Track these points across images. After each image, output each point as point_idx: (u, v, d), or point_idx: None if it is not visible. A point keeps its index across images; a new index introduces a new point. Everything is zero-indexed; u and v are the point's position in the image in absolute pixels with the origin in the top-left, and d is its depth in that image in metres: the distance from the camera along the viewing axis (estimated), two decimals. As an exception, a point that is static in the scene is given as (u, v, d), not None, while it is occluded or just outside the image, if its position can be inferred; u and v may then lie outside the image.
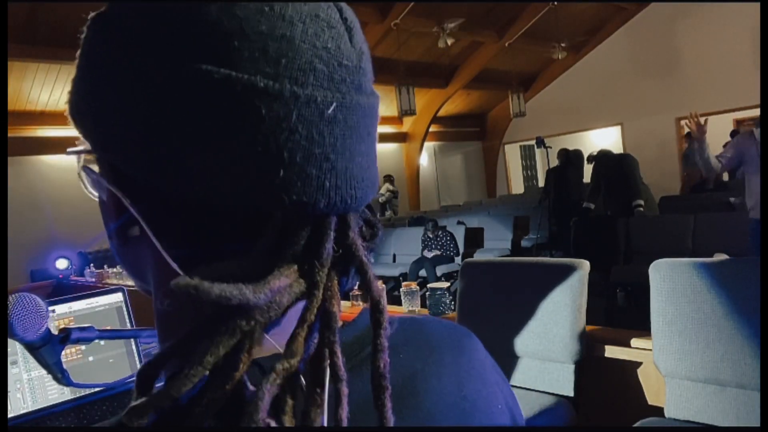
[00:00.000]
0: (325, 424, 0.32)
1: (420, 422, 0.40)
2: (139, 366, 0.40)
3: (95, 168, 0.40)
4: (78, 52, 0.38)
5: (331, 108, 0.33)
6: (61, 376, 0.95)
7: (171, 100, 0.33)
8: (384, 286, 2.88)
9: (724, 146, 3.97)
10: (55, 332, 0.96)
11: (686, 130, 10.36)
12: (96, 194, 0.42)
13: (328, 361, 0.33)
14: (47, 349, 0.93)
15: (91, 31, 0.37)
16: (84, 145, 0.39)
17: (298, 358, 0.32)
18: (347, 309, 2.77)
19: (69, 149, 0.41)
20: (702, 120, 3.69)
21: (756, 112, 4.12)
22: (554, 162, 7.44)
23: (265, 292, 0.31)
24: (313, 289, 0.34)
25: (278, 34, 0.33)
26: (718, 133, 4.20)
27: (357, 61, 0.36)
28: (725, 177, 8.05)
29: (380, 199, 11.27)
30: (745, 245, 4.09)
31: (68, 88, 0.40)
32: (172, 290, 0.30)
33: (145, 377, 0.31)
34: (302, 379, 0.33)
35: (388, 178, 11.64)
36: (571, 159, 7.34)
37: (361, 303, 2.88)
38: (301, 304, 0.34)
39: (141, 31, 0.34)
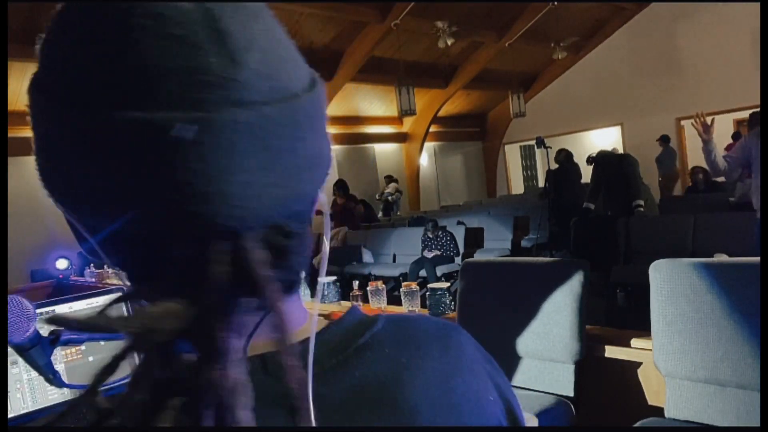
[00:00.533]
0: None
1: (404, 416, 0.40)
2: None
3: None
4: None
5: (191, 132, 0.32)
6: (52, 377, 0.95)
7: (65, 143, 0.35)
8: (384, 286, 2.88)
9: (726, 148, 3.96)
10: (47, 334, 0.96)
11: (686, 130, 10.38)
12: None
13: (216, 386, 0.32)
14: (37, 351, 0.93)
15: (29, 91, 0.38)
16: None
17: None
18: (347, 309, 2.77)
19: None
20: (708, 120, 3.66)
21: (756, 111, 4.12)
22: (554, 162, 7.45)
23: (136, 321, 0.32)
24: (203, 311, 0.33)
25: (124, 62, 0.32)
26: (718, 133, 4.20)
27: (231, 74, 0.33)
28: (720, 178, 8.03)
29: (389, 199, 11.26)
30: (747, 245, 4.07)
31: None
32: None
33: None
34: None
35: (391, 178, 11.62)
36: (567, 158, 7.36)
37: (361, 303, 2.88)
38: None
39: (58, 90, 0.35)
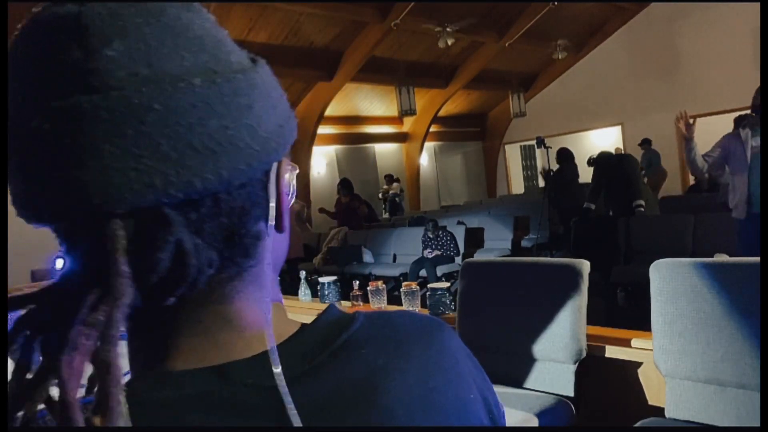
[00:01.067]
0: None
1: (378, 419, 0.40)
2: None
3: None
4: None
5: (34, 121, 0.35)
6: None
7: None
8: (384, 286, 2.88)
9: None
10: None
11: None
12: None
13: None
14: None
15: None
16: None
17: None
18: (347, 309, 2.77)
19: None
20: (690, 120, 3.72)
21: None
22: (554, 162, 7.45)
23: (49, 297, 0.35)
24: (53, 292, 0.36)
25: (16, 61, 0.38)
26: (718, 134, 4.23)
27: (84, 62, 0.35)
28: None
29: (396, 199, 11.24)
30: (731, 246, 4.09)
31: None
32: None
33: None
34: None
35: (392, 178, 11.57)
36: (566, 157, 7.36)
37: (361, 303, 2.88)
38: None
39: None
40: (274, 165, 0.42)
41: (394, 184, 11.38)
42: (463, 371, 0.47)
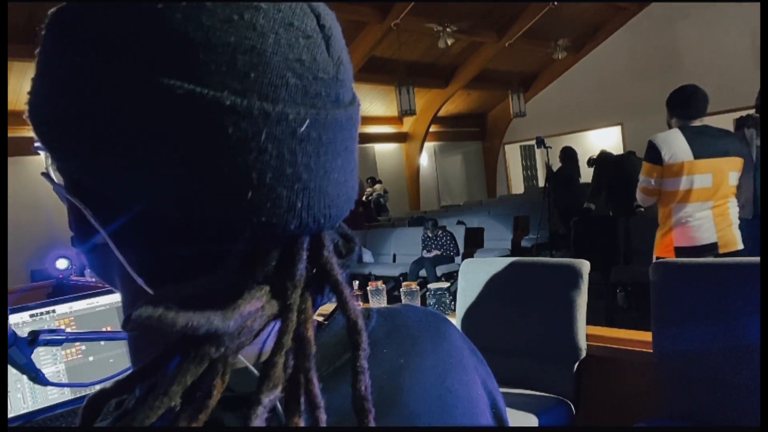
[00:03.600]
0: None
1: (403, 421, 0.39)
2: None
3: (56, 176, 0.39)
4: (37, 49, 0.36)
5: (305, 125, 0.31)
6: (35, 375, 0.96)
7: (131, 110, 0.30)
8: (384, 286, 2.88)
9: None
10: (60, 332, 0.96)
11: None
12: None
13: (304, 388, 0.32)
14: (14, 351, 0.94)
15: (49, 30, 0.35)
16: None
17: (280, 387, 0.31)
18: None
19: (36, 145, 0.38)
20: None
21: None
22: (554, 162, 7.45)
23: (234, 318, 0.29)
24: (287, 312, 0.32)
25: (247, 46, 0.30)
26: None
27: (334, 72, 0.34)
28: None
29: (381, 201, 11.20)
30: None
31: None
32: (134, 321, 0.28)
33: (95, 405, 0.30)
34: (279, 406, 0.32)
35: (374, 180, 11.48)
36: (569, 155, 7.36)
37: (361, 304, 2.88)
38: (271, 325, 0.34)
39: (102, 37, 0.31)
40: None
41: (377, 186, 11.32)
42: (469, 365, 0.47)
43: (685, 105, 3.10)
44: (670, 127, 3.14)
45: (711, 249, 2.96)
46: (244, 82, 0.30)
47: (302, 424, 0.32)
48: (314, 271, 0.34)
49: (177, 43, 0.30)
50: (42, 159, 0.40)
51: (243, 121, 0.30)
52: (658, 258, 3.12)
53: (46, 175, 0.39)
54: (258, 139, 0.30)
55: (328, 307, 0.45)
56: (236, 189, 0.31)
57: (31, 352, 0.96)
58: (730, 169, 2.99)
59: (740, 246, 3.01)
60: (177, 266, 0.35)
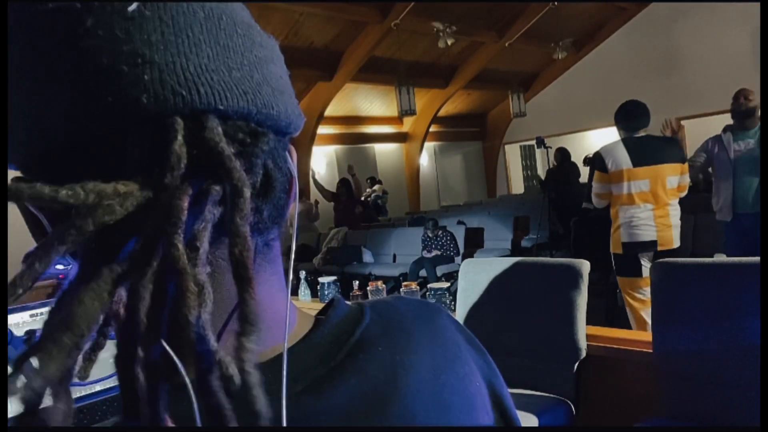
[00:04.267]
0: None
1: (400, 420, 0.39)
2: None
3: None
4: None
5: (132, 6, 0.32)
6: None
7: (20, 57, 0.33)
8: (384, 286, 2.88)
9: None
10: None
11: (686, 130, 10.38)
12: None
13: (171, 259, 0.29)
14: (10, 351, 0.94)
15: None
16: None
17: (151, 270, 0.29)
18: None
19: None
20: (676, 126, 3.77)
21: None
22: (554, 161, 7.47)
23: (87, 191, 0.29)
24: (159, 191, 0.31)
25: None
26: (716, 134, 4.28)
27: None
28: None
29: (379, 202, 11.18)
30: (744, 246, 4.12)
31: None
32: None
33: None
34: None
35: (374, 180, 11.45)
36: (564, 157, 7.37)
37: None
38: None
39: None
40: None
41: (376, 186, 11.30)
42: (466, 357, 0.47)
43: (629, 119, 3.47)
44: (620, 137, 3.52)
45: (651, 246, 3.35)
46: None
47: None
48: (195, 152, 0.32)
49: None
50: None
51: (66, 15, 0.32)
52: (613, 253, 3.57)
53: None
54: (84, 25, 0.32)
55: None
56: (82, 78, 0.31)
57: None
58: (668, 175, 3.34)
59: (676, 245, 3.38)
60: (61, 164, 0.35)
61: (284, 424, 0.33)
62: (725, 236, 3.93)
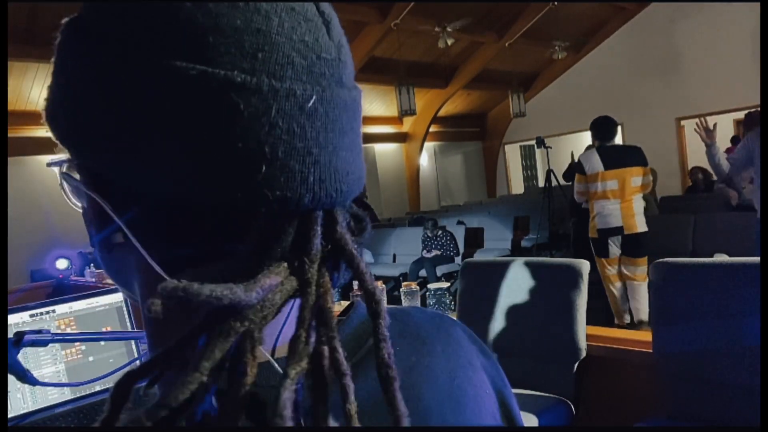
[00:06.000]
0: (335, 423, 0.31)
1: (419, 416, 0.40)
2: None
3: (75, 175, 0.40)
4: (53, 58, 0.38)
5: (312, 101, 0.33)
6: (23, 375, 0.96)
7: (146, 99, 0.32)
8: (384, 286, 2.88)
9: (726, 151, 4.06)
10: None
11: (686, 130, 10.38)
12: (78, 204, 0.42)
13: (328, 358, 0.32)
14: None
15: (64, 36, 0.37)
16: (63, 153, 0.39)
17: (306, 360, 0.32)
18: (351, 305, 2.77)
19: (49, 161, 0.40)
20: (711, 125, 3.77)
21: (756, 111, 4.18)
22: (554, 162, 7.46)
23: (256, 290, 0.30)
24: (305, 286, 0.33)
25: (254, 28, 0.32)
26: (718, 134, 4.28)
27: (336, 53, 0.36)
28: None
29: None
30: (747, 246, 4.11)
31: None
32: (161, 295, 0.28)
33: (124, 387, 0.30)
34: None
35: None
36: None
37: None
38: (289, 305, 0.34)
39: (115, 32, 0.33)
40: None
41: None
42: (477, 365, 0.48)
43: (602, 131, 4.41)
44: (593, 145, 4.52)
45: (619, 231, 4.27)
46: (253, 61, 0.32)
47: (328, 394, 0.32)
48: (329, 246, 0.35)
49: (187, 29, 0.32)
50: (46, 160, 0.41)
51: (253, 97, 0.32)
52: (590, 238, 4.43)
53: (67, 175, 0.40)
54: (269, 114, 0.32)
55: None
56: (251, 164, 0.32)
57: (17, 353, 0.96)
58: (631, 176, 4.23)
59: (641, 229, 4.25)
60: (196, 251, 0.36)
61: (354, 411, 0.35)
62: (759, 233, 3.80)
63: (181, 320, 0.31)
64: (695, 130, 3.93)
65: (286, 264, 0.33)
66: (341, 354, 0.32)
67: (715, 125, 3.81)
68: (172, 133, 0.32)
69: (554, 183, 6.93)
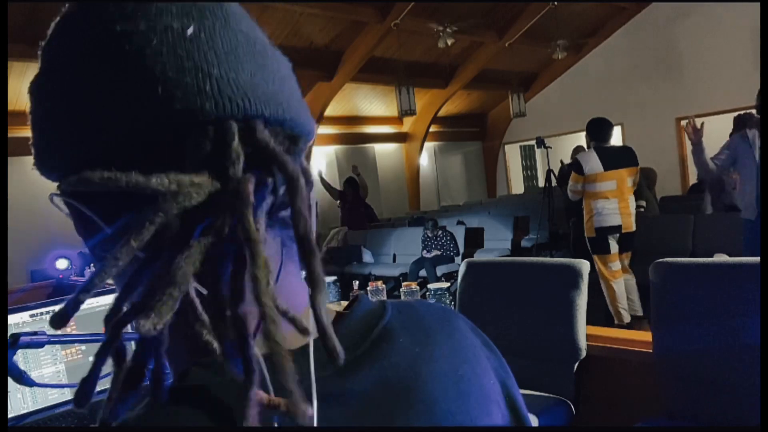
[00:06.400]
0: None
1: (425, 407, 0.41)
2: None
3: (60, 202, 0.43)
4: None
5: (190, 31, 0.38)
6: (19, 377, 0.96)
7: (65, 74, 0.38)
8: (384, 286, 2.88)
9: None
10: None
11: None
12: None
13: (240, 230, 0.34)
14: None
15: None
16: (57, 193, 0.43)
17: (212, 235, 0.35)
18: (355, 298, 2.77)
19: (51, 196, 0.43)
20: (698, 124, 3.78)
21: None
22: (554, 162, 7.45)
23: (171, 180, 0.34)
24: (226, 181, 0.36)
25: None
26: (718, 134, 4.31)
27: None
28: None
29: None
30: (737, 247, 4.14)
31: None
32: (83, 182, 0.34)
33: (116, 330, 0.35)
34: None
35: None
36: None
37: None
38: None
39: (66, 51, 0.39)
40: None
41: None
42: (481, 356, 0.50)
43: (599, 133, 4.49)
44: (589, 147, 4.61)
45: (618, 229, 4.41)
46: (134, 13, 0.38)
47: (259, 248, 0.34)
48: (250, 151, 0.37)
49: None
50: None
51: (134, 37, 0.37)
52: (587, 237, 4.51)
53: (53, 195, 0.43)
54: (150, 45, 0.37)
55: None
56: (150, 85, 0.36)
57: (13, 355, 0.96)
58: (627, 176, 4.42)
59: (634, 228, 4.48)
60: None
61: (315, 402, 0.36)
62: (745, 234, 3.88)
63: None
64: (684, 128, 3.98)
65: (207, 170, 0.36)
66: (252, 224, 0.34)
67: (702, 124, 3.83)
68: (90, 93, 0.37)
69: (554, 183, 6.93)
